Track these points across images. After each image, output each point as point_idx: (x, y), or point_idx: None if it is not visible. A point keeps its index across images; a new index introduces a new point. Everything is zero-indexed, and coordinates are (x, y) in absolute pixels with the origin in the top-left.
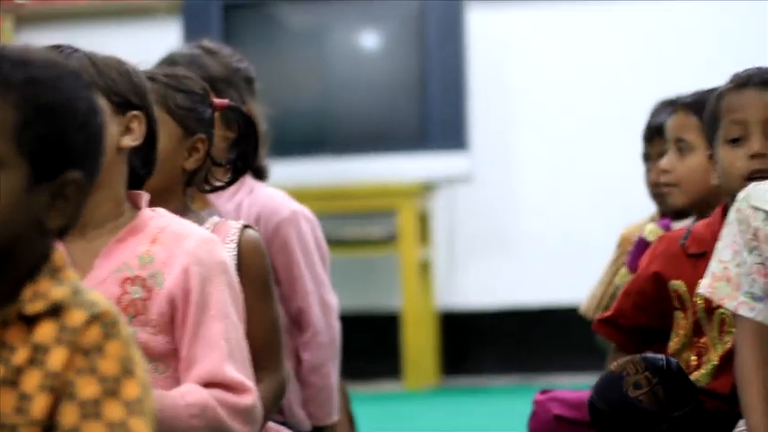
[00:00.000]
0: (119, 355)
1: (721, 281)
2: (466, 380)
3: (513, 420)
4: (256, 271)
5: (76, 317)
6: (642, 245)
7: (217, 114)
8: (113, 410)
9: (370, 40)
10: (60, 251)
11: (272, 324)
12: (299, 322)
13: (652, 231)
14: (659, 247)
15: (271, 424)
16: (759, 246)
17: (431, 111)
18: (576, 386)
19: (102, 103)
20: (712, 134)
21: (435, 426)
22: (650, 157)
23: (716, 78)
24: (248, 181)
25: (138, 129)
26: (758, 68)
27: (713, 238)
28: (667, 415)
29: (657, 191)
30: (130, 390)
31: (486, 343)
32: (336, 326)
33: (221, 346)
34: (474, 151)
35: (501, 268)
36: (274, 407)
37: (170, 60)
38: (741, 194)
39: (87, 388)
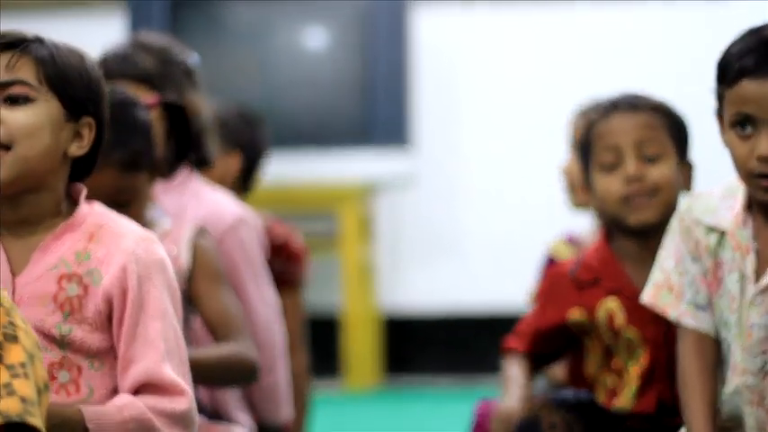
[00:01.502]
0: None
1: (663, 289)
2: (407, 382)
3: (454, 422)
4: (204, 266)
5: None
6: (549, 261)
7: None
8: None
9: (314, 37)
10: None
11: (229, 305)
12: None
13: (556, 248)
14: (545, 286)
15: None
16: (701, 256)
17: (374, 111)
18: None
19: (56, 106)
20: (586, 162)
21: (376, 427)
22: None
23: (658, 81)
24: (194, 181)
25: (88, 136)
26: (624, 94)
27: (601, 263)
28: None
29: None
30: (14, 356)
31: (428, 345)
32: (280, 324)
33: (159, 346)
34: (417, 152)
35: (444, 270)
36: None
37: (103, 60)
38: (683, 205)
39: None
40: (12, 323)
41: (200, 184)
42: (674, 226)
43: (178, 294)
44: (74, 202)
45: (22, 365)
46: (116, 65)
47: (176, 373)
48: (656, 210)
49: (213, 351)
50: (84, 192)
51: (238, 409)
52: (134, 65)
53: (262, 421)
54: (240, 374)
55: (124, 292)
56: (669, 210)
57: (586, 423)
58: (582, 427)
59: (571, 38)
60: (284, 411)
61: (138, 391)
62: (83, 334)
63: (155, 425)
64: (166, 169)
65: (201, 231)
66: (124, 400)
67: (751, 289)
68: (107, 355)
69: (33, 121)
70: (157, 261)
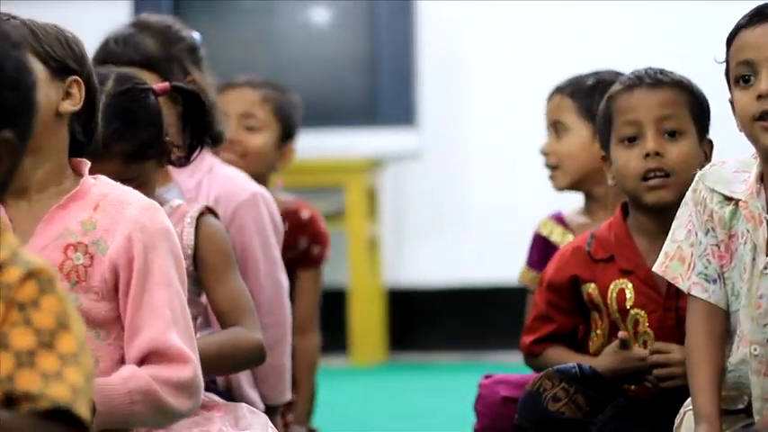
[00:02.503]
0: (54, 310)
1: (674, 260)
2: (413, 356)
3: (459, 397)
4: (214, 252)
5: (12, 273)
6: (538, 240)
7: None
8: (48, 362)
9: (320, 15)
10: (1, 215)
11: (238, 290)
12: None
13: (544, 225)
14: (567, 254)
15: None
16: (715, 227)
17: (380, 87)
18: (523, 366)
19: (40, 68)
20: (606, 136)
21: (382, 401)
22: None
23: (671, 63)
24: (207, 158)
25: (78, 93)
26: (647, 69)
27: (617, 240)
28: (592, 419)
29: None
30: (66, 344)
31: (433, 320)
32: (287, 305)
33: (165, 314)
34: (423, 128)
35: (449, 245)
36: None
37: (105, 44)
38: (697, 176)
39: (22, 339)
40: (65, 311)
41: (214, 161)
42: (688, 197)
43: (183, 263)
44: (79, 176)
45: (74, 355)
46: (119, 49)
47: (182, 341)
48: (673, 189)
49: (216, 338)
50: (88, 165)
51: (250, 386)
52: (136, 49)
53: (264, 401)
54: (248, 357)
55: (130, 261)
56: (686, 188)
57: (589, 395)
58: (585, 400)
59: (579, 14)
60: (287, 392)
61: (144, 359)
62: (89, 303)
63: (160, 395)
64: (183, 155)
65: (208, 210)
66: (129, 371)
67: (762, 259)
68: (113, 325)
69: None
70: (162, 229)
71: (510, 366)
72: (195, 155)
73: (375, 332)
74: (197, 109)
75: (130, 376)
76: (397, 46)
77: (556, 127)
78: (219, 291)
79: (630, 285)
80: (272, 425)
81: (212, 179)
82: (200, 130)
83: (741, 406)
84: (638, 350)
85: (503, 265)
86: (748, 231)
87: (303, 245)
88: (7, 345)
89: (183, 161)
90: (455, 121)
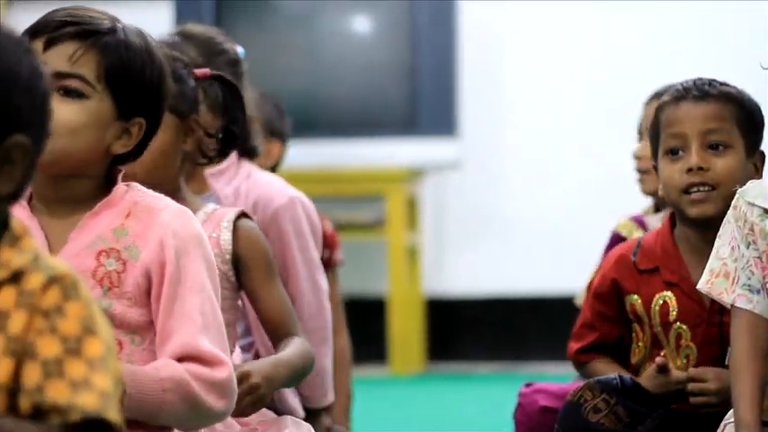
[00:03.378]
0: (79, 315)
1: (720, 277)
2: (452, 366)
3: (497, 408)
4: (257, 258)
5: (34, 280)
6: (616, 239)
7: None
8: (76, 369)
9: (361, 23)
10: (19, 219)
11: (284, 298)
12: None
13: (624, 226)
14: (613, 258)
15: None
16: (756, 240)
17: (421, 96)
18: (562, 376)
19: (108, 105)
20: (655, 146)
21: (420, 411)
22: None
23: (709, 73)
24: (245, 165)
25: (137, 135)
26: (696, 80)
27: (663, 251)
28: (633, 431)
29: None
30: (93, 349)
31: (472, 330)
32: (328, 308)
33: (196, 320)
34: (463, 137)
35: (489, 255)
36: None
37: None
38: (738, 191)
39: (49, 347)
40: (90, 316)
41: (251, 167)
42: (729, 214)
43: (215, 269)
44: (112, 182)
45: (102, 359)
46: None
47: (214, 345)
48: (716, 203)
49: (294, 351)
50: (122, 172)
51: (292, 393)
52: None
53: (306, 405)
54: (309, 367)
55: (162, 266)
56: (731, 201)
57: (630, 407)
58: (625, 411)
59: (618, 22)
60: (329, 395)
61: (178, 361)
62: (122, 309)
63: (192, 387)
64: (215, 148)
65: (244, 214)
66: (163, 361)
67: None
68: (147, 330)
69: (79, 118)
70: (194, 235)
71: (549, 376)
72: (227, 155)
73: (414, 342)
74: (234, 104)
75: (164, 365)
76: (437, 55)
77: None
78: (266, 298)
79: (674, 298)
80: None
81: (250, 185)
82: (236, 125)
83: None
84: (676, 374)
85: (542, 275)
86: None
87: None
88: (34, 354)
89: (215, 157)
90: (495, 131)
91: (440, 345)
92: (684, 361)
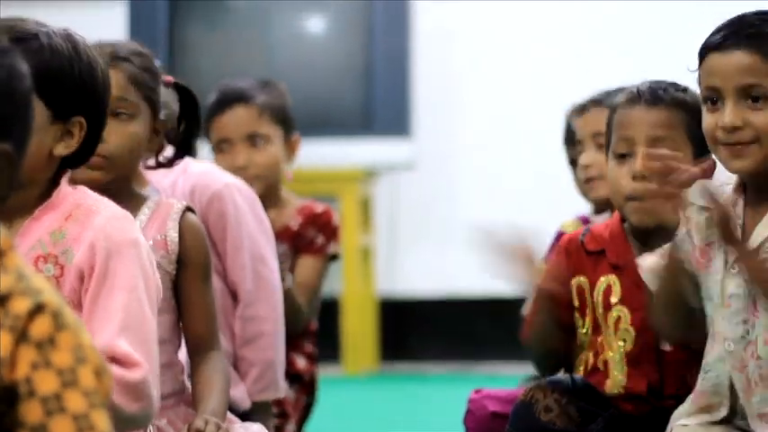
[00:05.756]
0: (71, 345)
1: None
2: (405, 366)
3: (450, 408)
4: (198, 256)
5: (20, 305)
6: (560, 238)
7: None
8: (75, 402)
9: (316, 24)
10: (6, 232)
11: (212, 306)
12: (234, 295)
13: (570, 225)
14: (563, 243)
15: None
16: (692, 235)
17: (375, 97)
18: (515, 376)
19: (40, 109)
20: (608, 145)
21: (373, 411)
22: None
23: (660, 73)
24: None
25: (78, 135)
26: (653, 83)
27: (611, 235)
28: (584, 431)
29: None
30: (87, 378)
31: (425, 330)
32: (273, 300)
33: (116, 318)
34: (417, 138)
35: (442, 255)
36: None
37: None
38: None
39: (46, 383)
40: (80, 344)
41: (188, 160)
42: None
43: (152, 275)
44: (57, 184)
45: (95, 391)
46: None
47: (133, 346)
48: (657, 214)
49: (219, 392)
50: (67, 174)
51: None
52: None
53: (254, 398)
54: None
55: (92, 269)
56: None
57: (581, 407)
58: (576, 411)
59: (571, 25)
60: (273, 389)
61: None
62: None
63: None
64: (174, 153)
65: (189, 209)
66: None
67: (730, 259)
68: None
69: None
70: (129, 240)
71: (502, 377)
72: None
73: (367, 342)
74: (192, 112)
75: None
76: (392, 56)
77: (596, 140)
78: (194, 301)
79: (618, 282)
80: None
81: (187, 178)
82: (192, 132)
83: (724, 413)
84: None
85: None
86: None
87: (310, 234)
88: (32, 391)
89: (166, 165)
90: (449, 132)
91: (393, 345)
92: (622, 344)
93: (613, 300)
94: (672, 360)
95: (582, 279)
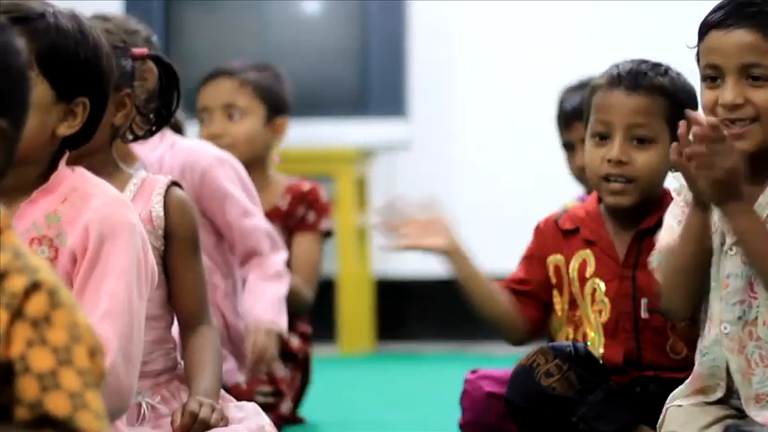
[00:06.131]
0: (66, 323)
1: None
2: (401, 346)
3: (446, 387)
4: (185, 230)
5: (17, 282)
6: None
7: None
8: (71, 380)
9: (311, 5)
10: (4, 211)
11: (202, 281)
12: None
13: (573, 205)
14: (540, 225)
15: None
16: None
17: (371, 77)
18: (511, 356)
19: (44, 88)
20: (586, 124)
21: (369, 390)
22: (572, 144)
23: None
24: (168, 135)
25: (81, 115)
26: (633, 66)
27: (586, 214)
28: (582, 399)
29: (583, 175)
30: (81, 358)
31: (421, 310)
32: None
33: (100, 303)
34: (413, 118)
35: None
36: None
37: None
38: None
39: (41, 360)
40: (75, 322)
41: (175, 137)
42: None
43: (146, 261)
44: (57, 168)
45: (90, 370)
46: None
47: (113, 331)
48: (632, 195)
49: (213, 368)
50: (66, 156)
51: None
52: None
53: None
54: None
55: (85, 251)
56: (648, 193)
57: (581, 375)
58: (577, 378)
59: (568, 9)
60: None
61: None
62: None
63: None
64: (147, 128)
65: (175, 183)
66: None
67: (728, 240)
68: None
69: None
70: (124, 224)
71: (497, 357)
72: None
73: (363, 321)
74: (170, 85)
75: None
76: (387, 36)
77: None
78: (184, 275)
79: (592, 256)
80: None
81: (175, 153)
82: (170, 105)
83: (720, 394)
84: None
85: (491, 255)
86: (718, 221)
87: (301, 212)
88: (28, 368)
89: (143, 136)
90: (445, 112)
91: (389, 325)
92: (597, 314)
93: (588, 273)
94: (648, 327)
95: (558, 257)
